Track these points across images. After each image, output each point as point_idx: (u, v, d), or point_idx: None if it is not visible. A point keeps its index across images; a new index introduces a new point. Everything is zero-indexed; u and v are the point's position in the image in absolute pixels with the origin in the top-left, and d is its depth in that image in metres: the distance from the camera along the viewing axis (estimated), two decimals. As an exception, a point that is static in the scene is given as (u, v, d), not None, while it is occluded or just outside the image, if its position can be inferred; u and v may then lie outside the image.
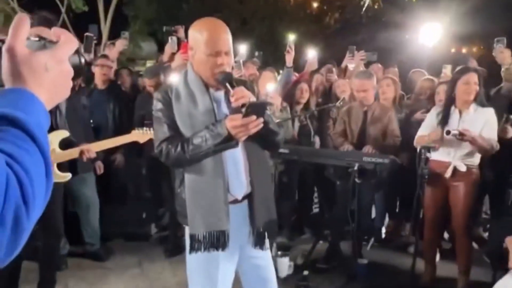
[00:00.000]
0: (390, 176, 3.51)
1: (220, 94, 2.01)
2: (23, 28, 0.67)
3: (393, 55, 8.85)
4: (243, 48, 4.99)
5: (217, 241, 1.92)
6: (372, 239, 4.44)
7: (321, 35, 11.70)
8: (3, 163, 0.57)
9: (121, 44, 5.16)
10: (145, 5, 11.00)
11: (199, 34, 1.92)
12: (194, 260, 2.01)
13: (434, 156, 3.41)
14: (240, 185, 2.00)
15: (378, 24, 11.16)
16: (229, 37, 1.95)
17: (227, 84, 1.87)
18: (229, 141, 1.81)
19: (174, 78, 3.17)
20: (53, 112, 2.65)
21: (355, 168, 3.24)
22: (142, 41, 9.83)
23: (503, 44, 4.15)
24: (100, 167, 3.84)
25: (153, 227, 4.68)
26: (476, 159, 3.37)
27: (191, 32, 1.97)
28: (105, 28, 8.16)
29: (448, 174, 3.34)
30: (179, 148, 1.87)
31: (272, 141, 2.07)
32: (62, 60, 0.72)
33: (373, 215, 4.58)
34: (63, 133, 2.71)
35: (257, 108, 1.79)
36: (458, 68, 3.77)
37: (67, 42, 0.73)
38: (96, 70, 4.35)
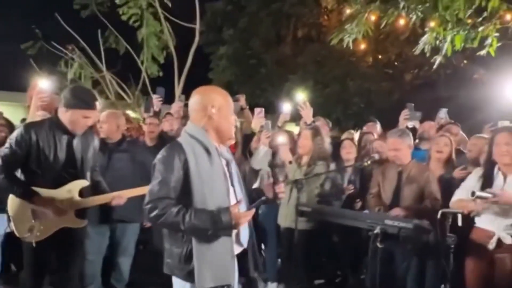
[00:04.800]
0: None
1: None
2: None
3: (475, 113, 8.30)
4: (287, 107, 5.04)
5: None
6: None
7: (397, 92, 11.41)
8: None
9: (176, 105, 5.54)
10: (223, 69, 11.80)
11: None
12: None
13: (477, 222, 3.07)
14: (245, 234, 2.22)
15: (458, 81, 10.61)
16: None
17: None
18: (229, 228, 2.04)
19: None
20: (75, 164, 2.89)
21: (376, 231, 3.01)
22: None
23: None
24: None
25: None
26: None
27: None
28: (177, 91, 8.85)
29: (491, 245, 2.96)
30: (177, 217, 2.00)
31: None
32: None
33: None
34: (83, 183, 2.96)
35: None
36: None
37: None
38: (145, 127, 4.72)
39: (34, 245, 2.81)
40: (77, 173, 2.96)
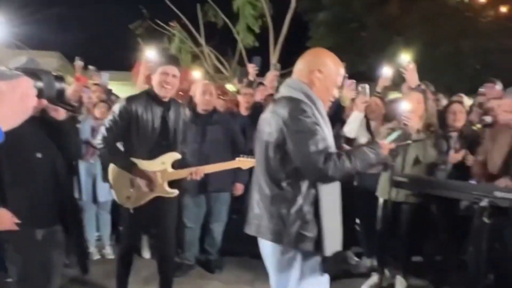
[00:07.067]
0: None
1: None
2: None
3: None
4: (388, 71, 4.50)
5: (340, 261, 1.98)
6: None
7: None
8: None
9: (271, 73, 5.43)
10: (322, 36, 11.31)
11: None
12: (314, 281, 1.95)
13: None
14: None
15: None
16: None
17: None
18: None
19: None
20: (169, 136, 2.96)
21: (483, 204, 2.59)
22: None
23: None
24: (238, 188, 4.03)
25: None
26: None
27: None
28: (273, 60, 8.73)
29: None
30: (347, 161, 1.85)
31: None
32: (14, 88, 0.90)
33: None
34: (176, 155, 3.00)
35: None
36: None
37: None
38: (239, 97, 4.68)
39: (131, 211, 2.96)
40: (169, 145, 2.99)
